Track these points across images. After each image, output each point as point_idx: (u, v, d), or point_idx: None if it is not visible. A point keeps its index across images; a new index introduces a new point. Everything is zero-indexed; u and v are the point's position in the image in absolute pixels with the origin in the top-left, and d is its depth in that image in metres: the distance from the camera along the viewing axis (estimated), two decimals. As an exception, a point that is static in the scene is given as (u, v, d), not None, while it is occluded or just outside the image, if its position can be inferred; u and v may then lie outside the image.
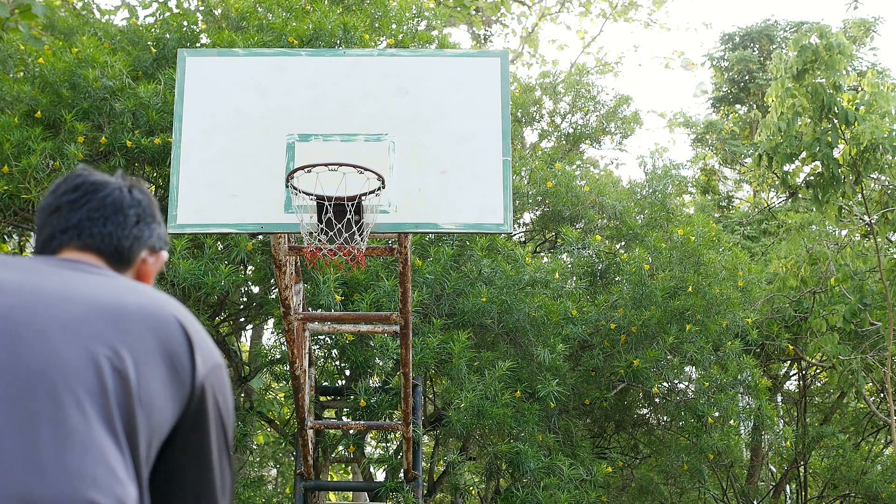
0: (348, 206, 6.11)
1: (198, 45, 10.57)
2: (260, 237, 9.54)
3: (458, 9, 17.93)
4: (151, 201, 2.05)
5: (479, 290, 9.80)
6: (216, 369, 1.82)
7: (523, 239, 13.23)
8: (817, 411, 14.40)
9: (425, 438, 11.64)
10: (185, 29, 10.62)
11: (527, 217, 12.92)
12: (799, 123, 10.22)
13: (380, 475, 11.44)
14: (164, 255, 2.05)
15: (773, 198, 16.04)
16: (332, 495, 12.70)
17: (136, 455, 1.66)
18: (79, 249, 1.93)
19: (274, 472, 16.71)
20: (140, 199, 2.02)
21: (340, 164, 6.08)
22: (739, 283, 11.12)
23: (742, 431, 12.44)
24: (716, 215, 15.51)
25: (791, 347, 12.53)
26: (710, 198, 16.78)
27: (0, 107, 9.47)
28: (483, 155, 6.42)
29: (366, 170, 6.08)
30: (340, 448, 10.95)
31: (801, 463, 12.98)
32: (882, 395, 12.75)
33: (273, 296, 10.50)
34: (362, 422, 9.50)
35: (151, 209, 2.04)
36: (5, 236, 11.14)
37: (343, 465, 14.34)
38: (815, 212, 11.13)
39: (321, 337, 10.10)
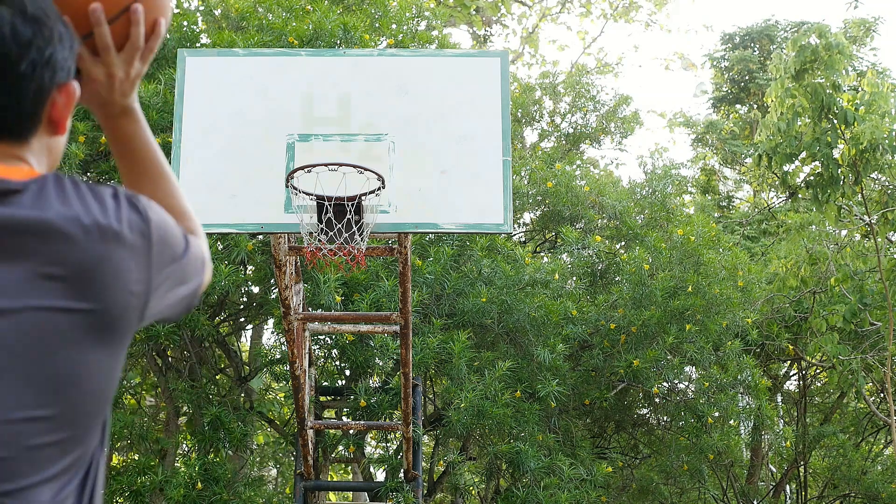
0: (348, 206, 6.11)
1: (198, 45, 10.58)
2: (260, 237, 9.54)
3: (459, 9, 17.94)
4: (47, 16, 1.52)
5: (479, 290, 9.80)
6: None
7: (523, 239, 13.23)
8: (817, 411, 14.41)
9: (425, 438, 11.64)
10: (185, 29, 10.62)
11: (527, 217, 12.93)
12: (799, 123, 10.22)
13: (380, 475, 11.44)
14: (75, 85, 1.58)
15: (773, 198, 16.05)
16: (332, 495, 12.70)
17: None
18: None
19: (274, 472, 16.72)
20: (36, 25, 1.50)
21: (340, 164, 6.08)
22: (739, 283, 11.13)
23: (742, 431, 12.45)
24: (716, 215, 15.51)
25: (791, 347, 12.54)
26: (710, 198, 16.79)
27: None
28: (483, 155, 6.42)
29: (366, 170, 6.08)
30: (340, 448, 10.95)
31: (801, 463, 12.98)
32: (882, 395, 12.75)
33: (273, 296, 10.51)
34: (362, 422, 9.50)
35: (49, 30, 1.52)
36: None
37: (343, 465, 14.34)
38: (815, 212, 11.13)
39: (321, 337, 10.11)
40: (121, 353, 1.56)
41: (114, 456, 12.71)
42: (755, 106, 17.97)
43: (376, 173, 6.10)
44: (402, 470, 9.54)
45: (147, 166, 1.75)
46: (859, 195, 10.65)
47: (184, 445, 11.66)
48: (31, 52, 1.49)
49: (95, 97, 1.70)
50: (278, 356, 10.53)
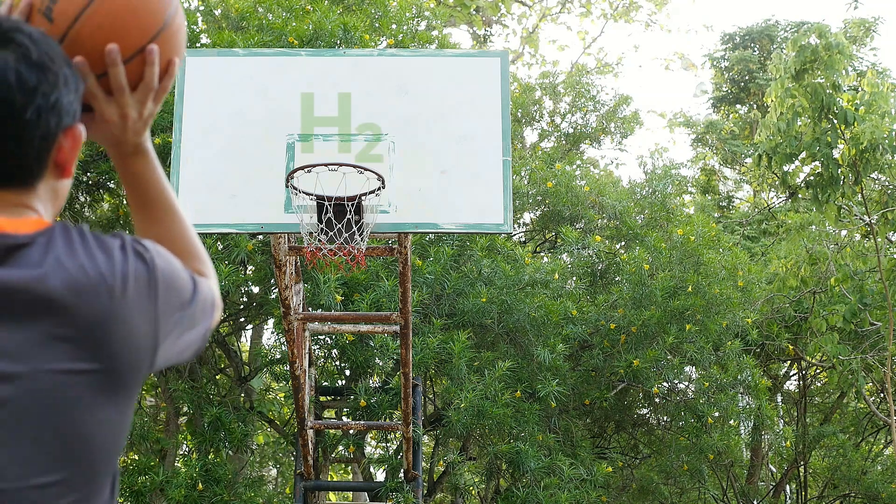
0: (348, 206, 6.11)
1: (198, 45, 10.58)
2: (260, 237, 9.54)
3: (458, 9, 17.94)
4: (52, 60, 1.50)
5: (479, 290, 9.80)
6: None
7: (523, 239, 13.23)
8: (817, 411, 14.41)
9: (425, 438, 11.64)
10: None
11: (527, 217, 12.93)
12: (799, 123, 10.22)
13: (380, 475, 11.44)
14: (81, 128, 1.56)
15: (773, 198, 16.05)
16: (332, 495, 12.71)
17: None
18: None
19: (274, 472, 16.72)
20: (41, 71, 1.48)
21: (340, 164, 6.08)
22: (739, 283, 11.13)
23: (742, 431, 12.45)
24: (716, 215, 15.51)
25: (791, 347, 12.54)
26: (710, 198, 16.79)
27: None
28: (483, 155, 6.42)
29: (366, 170, 6.08)
30: (340, 448, 10.95)
31: (801, 463, 12.98)
32: (882, 395, 12.75)
33: (273, 296, 10.51)
34: (362, 422, 9.50)
35: (54, 75, 1.50)
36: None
37: (343, 465, 14.34)
38: (815, 212, 11.13)
39: (321, 337, 10.11)
40: (130, 407, 1.55)
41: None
42: (755, 106, 17.97)
43: (376, 173, 6.10)
44: (402, 470, 9.54)
45: (158, 205, 1.74)
46: (859, 195, 10.65)
47: (184, 446, 11.67)
48: (36, 99, 1.47)
49: (108, 136, 1.69)
50: (278, 356, 10.53)
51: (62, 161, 1.55)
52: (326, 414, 10.60)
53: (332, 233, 6.12)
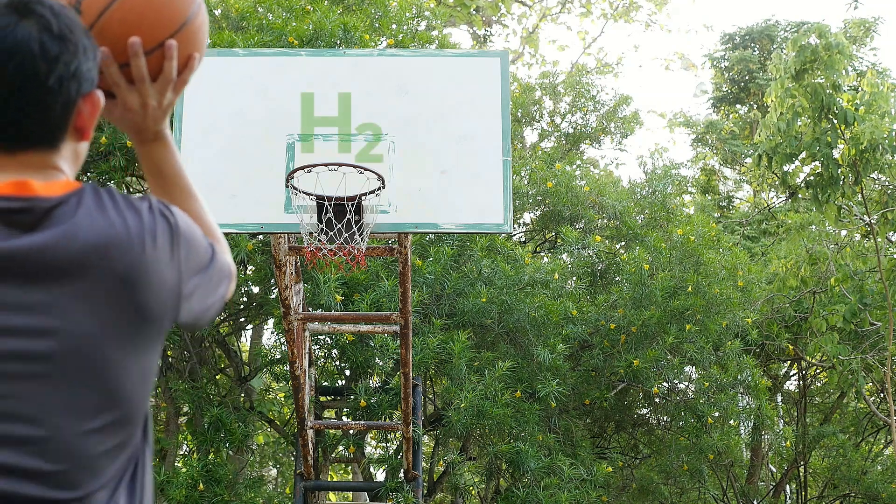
0: (348, 206, 6.11)
1: (198, 45, 10.56)
2: (260, 237, 9.55)
3: (458, 9, 17.94)
4: (72, 31, 1.60)
5: (479, 290, 9.80)
6: None
7: (523, 239, 13.23)
8: (817, 411, 14.41)
9: (425, 438, 11.64)
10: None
11: (527, 217, 12.93)
12: (799, 123, 10.22)
13: (380, 475, 11.44)
14: (99, 94, 1.66)
15: (773, 198, 16.05)
16: (332, 495, 12.71)
17: None
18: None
19: (274, 472, 16.72)
20: (62, 41, 1.58)
21: (340, 164, 6.08)
22: (739, 283, 11.13)
23: (742, 431, 12.45)
24: (716, 215, 15.51)
25: (791, 347, 12.54)
26: (710, 198, 16.79)
27: None
28: (483, 155, 6.42)
29: (366, 170, 6.09)
30: (340, 448, 10.95)
31: (801, 463, 12.98)
32: (882, 395, 12.76)
33: (273, 296, 10.51)
34: (362, 422, 9.50)
35: (74, 45, 1.60)
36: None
37: (343, 465, 14.34)
38: (815, 212, 11.13)
39: (321, 337, 10.11)
40: (158, 354, 1.68)
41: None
42: (755, 106, 17.97)
43: (376, 173, 6.10)
44: (402, 470, 9.54)
45: (176, 187, 1.86)
46: (859, 195, 10.65)
47: (184, 446, 11.67)
48: (58, 68, 1.58)
49: (130, 123, 1.80)
50: (278, 356, 10.53)
51: (82, 125, 1.66)
52: (326, 414, 10.60)
53: (332, 233, 6.12)
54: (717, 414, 11.19)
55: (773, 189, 15.77)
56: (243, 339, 13.71)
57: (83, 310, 1.55)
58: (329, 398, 10.27)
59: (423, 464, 10.21)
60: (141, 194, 1.70)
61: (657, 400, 11.19)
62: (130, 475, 1.61)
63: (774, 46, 17.44)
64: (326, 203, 6.09)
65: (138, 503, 1.62)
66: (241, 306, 11.50)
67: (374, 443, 13.90)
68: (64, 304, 1.54)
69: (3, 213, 1.54)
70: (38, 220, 1.55)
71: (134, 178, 10.65)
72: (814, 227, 12.15)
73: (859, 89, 10.41)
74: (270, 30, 9.92)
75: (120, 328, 1.58)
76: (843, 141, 10.17)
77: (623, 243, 11.95)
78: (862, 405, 13.66)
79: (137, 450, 1.63)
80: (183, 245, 1.65)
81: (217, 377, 11.90)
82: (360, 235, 6.13)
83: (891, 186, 12.10)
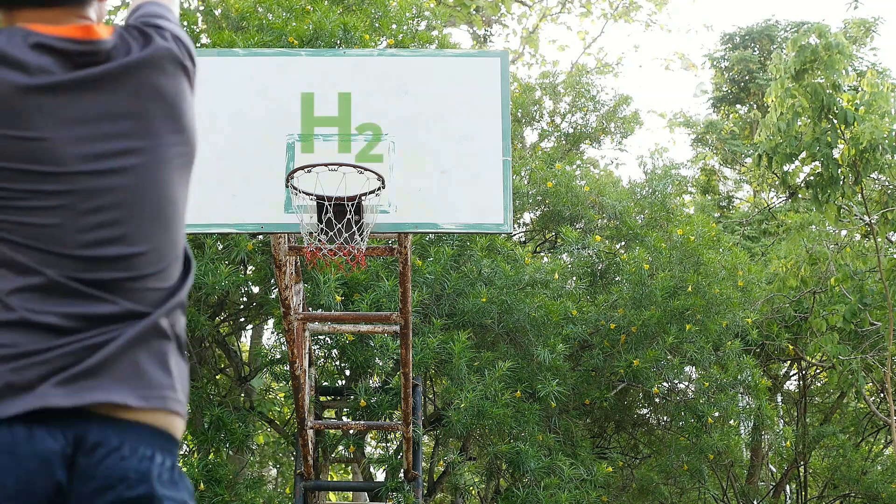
0: (348, 206, 6.11)
1: (198, 45, 10.57)
2: (260, 237, 9.54)
3: (458, 9, 17.94)
4: None
5: (479, 290, 9.80)
6: None
7: (523, 239, 13.23)
8: (817, 411, 14.40)
9: (425, 438, 11.64)
10: (185, 29, 10.60)
11: (527, 217, 12.93)
12: (799, 123, 10.22)
13: (380, 475, 11.44)
14: None
15: (773, 198, 16.04)
16: (332, 495, 12.70)
17: None
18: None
19: (274, 472, 16.72)
20: None
21: (340, 164, 6.08)
22: (739, 283, 11.13)
23: (742, 431, 12.44)
24: (716, 215, 15.50)
25: (791, 347, 12.53)
26: (710, 198, 16.78)
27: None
28: (483, 155, 6.42)
29: (366, 170, 6.09)
30: (340, 448, 10.95)
31: (801, 463, 12.98)
32: (882, 395, 12.75)
33: (273, 296, 10.51)
34: (362, 422, 9.50)
35: None
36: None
37: (343, 465, 14.34)
38: (815, 212, 11.13)
39: (321, 337, 10.10)
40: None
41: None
42: (755, 106, 17.97)
43: (376, 173, 6.10)
44: (402, 470, 9.54)
45: None
46: (859, 195, 10.65)
47: (184, 446, 11.66)
48: None
49: None
50: (278, 356, 10.53)
51: None
52: (326, 414, 10.60)
53: (332, 233, 6.13)
54: (717, 414, 11.19)
55: (773, 189, 15.77)
56: (243, 339, 13.71)
57: (159, 132, 1.89)
58: (329, 398, 10.27)
59: (423, 464, 10.20)
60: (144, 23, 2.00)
61: (657, 400, 11.19)
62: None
63: (774, 46, 17.44)
64: (326, 203, 6.09)
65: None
66: (241, 306, 11.50)
67: (374, 443, 13.90)
68: (144, 124, 1.87)
69: (73, 54, 1.82)
70: (103, 60, 1.85)
71: None
72: (814, 227, 12.14)
73: (859, 89, 10.41)
74: (270, 30, 9.91)
75: (182, 153, 1.96)
76: (843, 141, 10.17)
77: (623, 243, 11.95)
78: (862, 405, 13.66)
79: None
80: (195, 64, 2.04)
81: (217, 377, 11.89)
82: (360, 235, 6.13)
83: (891, 186, 12.10)
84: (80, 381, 1.74)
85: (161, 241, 1.88)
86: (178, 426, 1.86)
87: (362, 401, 9.47)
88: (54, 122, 1.79)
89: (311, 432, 9.04)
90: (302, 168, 6.11)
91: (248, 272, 10.31)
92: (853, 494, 12.82)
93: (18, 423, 1.71)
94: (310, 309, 9.11)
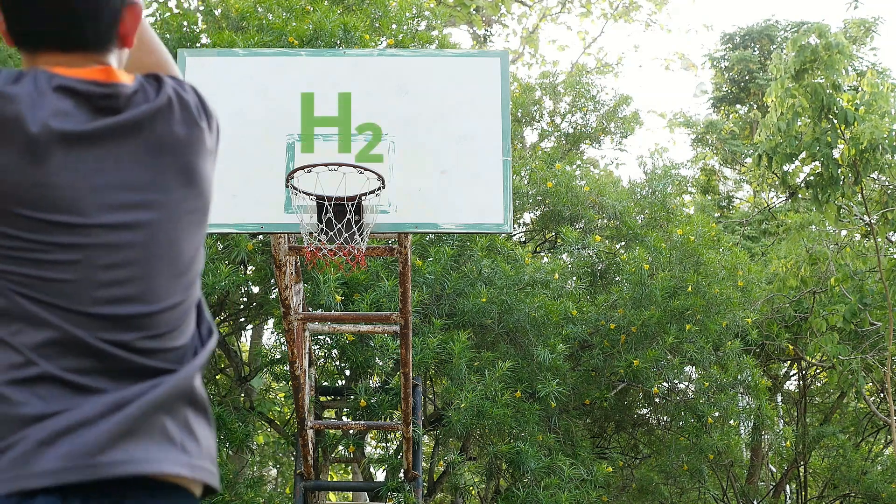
0: (348, 206, 6.11)
1: (198, 45, 10.58)
2: (260, 237, 9.54)
3: (458, 9, 17.94)
4: None
5: (479, 290, 9.79)
6: None
7: (523, 239, 13.23)
8: (817, 411, 14.40)
9: (425, 438, 11.64)
10: (185, 29, 10.62)
11: (527, 217, 12.93)
12: (799, 123, 10.22)
13: (380, 475, 11.44)
14: (140, 4, 1.93)
15: (773, 198, 16.04)
16: (332, 495, 12.71)
17: None
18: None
19: (274, 472, 16.72)
20: None
21: (340, 164, 6.08)
22: (739, 283, 11.12)
23: (742, 431, 12.44)
24: (716, 215, 15.51)
25: (791, 347, 12.53)
26: (710, 198, 16.78)
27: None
28: (483, 155, 6.42)
29: (366, 170, 6.09)
30: (340, 448, 10.95)
31: (801, 463, 12.97)
32: (882, 395, 12.75)
33: (273, 296, 10.50)
34: (362, 422, 9.50)
35: None
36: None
37: (343, 465, 14.34)
38: (815, 212, 11.12)
39: (321, 337, 10.10)
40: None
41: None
42: (755, 106, 17.97)
43: (376, 173, 6.10)
44: (402, 470, 9.54)
45: (153, 44, 2.15)
46: (859, 195, 10.65)
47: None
48: None
49: None
50: (278, 356, 10.53)
51: (124, 32, 1.91)
52: (326, 414, 10.60)
53: (332, 233, 6.12)
54: (717, 414, 11.18)
55: (773, 189, 15.77)
56: (243, 339, 13.71)
57: (175, 187, 1.85)
58: (329, 398, 10.27)
59: (423, 464, 10.20)
60: (155, 74, 1.96)
61: (657, 400, 11.19)
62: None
63: (774, 46, 17.44)
64: (326, 203, 6.09)
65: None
66: (241, 306, 11.50)
67: (374, 443, 13.90)
68: (162, 179, 1.83)
69: (94, 97, 1.81)
70: (123, 106, 1.83)
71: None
72: (814, 227, 12.14)
73: (859, 89, 10.41)
74: (270, 30, 9.91)
75: (197, 210, 1.89)
76: (843, 141, 10.17)
77: (623, 243, 11.95)
78: (862, 405, 13.66)
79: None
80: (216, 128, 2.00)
81: (217, 377, 11.89)
82: (360, 235, 6.13)
83: (891, 186, 12.10)
84: (117, 443, 1.68)
85: (176, 299, 1.84)
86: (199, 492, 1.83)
87: (362, 401, 9.47)
88: (74, 171, 1.76)
89: (311, 432, 9.04)
90: (302, 168, 6.11)
91: (248, 272, 10.31)
92: (853, 494, 12.81)
93: (53, 493, 1.65)
94: (310, 309, 9.11)
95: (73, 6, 1.81)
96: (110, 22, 1.86)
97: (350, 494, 14.32)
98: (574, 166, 12.71)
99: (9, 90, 1.74)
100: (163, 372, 1.78)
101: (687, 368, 11.14)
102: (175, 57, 7.48)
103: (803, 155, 10.42)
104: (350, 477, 14.69)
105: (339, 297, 9.28)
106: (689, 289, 10.51)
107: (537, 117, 13.93)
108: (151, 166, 1.82)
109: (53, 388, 1.70)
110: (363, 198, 6.12)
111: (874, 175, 11.58)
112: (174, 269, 1.84)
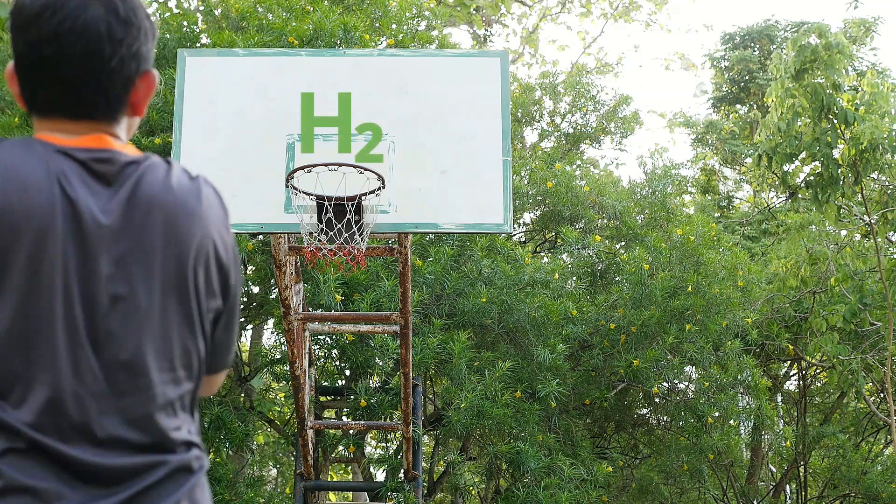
0: (348, 206, 6.11)
1: (198, 45, 10.58)
2: (260, 237, 9.54)
3: (458, 8, 17.94)
4: (136, 15, 1.78)
5: (479, 290, 9.79)
6: None
7: (523, 239, 13.23)
8: (817, 411, 14.40)
9: (425, 438, 11.64)
10: (185, 29, 10.62)
11: (527, 217, 12.93)
12: (799, 123, 10.22)
13: (380, 475, 11.44)
14: (154, 73, 1.84)
15: (773, 198, 16.04)
16: (332, 495, 12.71)
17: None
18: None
19: (274, 472, 16.72)
20: (126, 24, 1.76)
21: (340, 164, 6.08)
22: (739, 283, 11.12)
23: (742, 431, 12.44)
24: (716, 215, 15.50)
25: (791, 347, 12.53)
26: (710, 198, 16.78)
27: (0, 107, 9.47)
28: (483, 155, 6.42)
29: (366, 170, 6.09)
30: (340, 448, 10.95)
31: (801, 463, 12.97)
32: (882, 395, 12.75)
33: (273, 296, 10.50)
34: (362, 422, 9.50)
35: (137, 28, 1.78)
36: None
37: (343, 465, 14.34)
38: (815, 212, 11.12)
39: (321, 337, 10.11)
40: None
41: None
42: (755, 106, 17.97)
43: (376, 173, 6.10)
44: (402, 470, 9.54)
45: None
46: (859, 195, 10.65)
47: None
48: (122, 49, 1.76)
49: None
50: (278, 356, 10.53)
51: (137, 101, 1.83)
52: (326, 414, 10.60)
53: (332, 233, 6.12)
54: (717, 414, 11.18)
55: (773, 189, 15.77)
56: (243, 339, 13.70)
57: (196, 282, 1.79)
58: (329, 398, 10.27)
59: (423, 464, 10.20)
60: (168, 158, 1.87)
61: (657, 400, 11.19)
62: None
63: (774, 46, 17.44)
64: (326, 203, 6.09)
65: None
66: (241, 306, 11.49)
67: (374, 443, 13.90)
68: (170, 270, 1.76)
69: (89, 162, 1.73)
70: (117, 172, 1.73)
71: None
72: (814, 227, 12.14)
73: (859, 89, 10.41)
74: (270, 30, 9.91)
75: (217, 309, 1.86)
76: (843, 141, 10.17)
77: (623, 243, 11.95)
78: (862, 405, 13.66)
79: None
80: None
81: (217, 377, 11.84)
82: (360, 235, 6.13)
83: (891, 186, 12.10)
84: None
85: (171, 384, 1.79)
86: None
87: (362, 401, 9.47)
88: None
89: (311, 432, 9.04)
90: (302, 168, 6.11)
91: (248, 272, 10.31)
92: (853, 494, 12.81)
93: None
94: (310, 309, 9.11)
95: (87, 76, 1.74)
96: (122, 90, 1.79)
97: (350, 494, 14.31)
98: (574, 166, 12.71)
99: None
100: (170, 450, 1.82)
101: (687, 368, 11.14)
102: (175, 57, 7.49)
103: (803, 155, 10.42)
104: (350, 477, 14.69)
105: (339, 297, 9.28)
106: (689, 289, 10.51)
107: (537, 117, 13.93)
108: (143, 250, 1.78)
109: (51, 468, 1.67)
110: (363, 198, 6.12)
111: (874, 175, 11.58)
112: (169, 360, 1.83)
